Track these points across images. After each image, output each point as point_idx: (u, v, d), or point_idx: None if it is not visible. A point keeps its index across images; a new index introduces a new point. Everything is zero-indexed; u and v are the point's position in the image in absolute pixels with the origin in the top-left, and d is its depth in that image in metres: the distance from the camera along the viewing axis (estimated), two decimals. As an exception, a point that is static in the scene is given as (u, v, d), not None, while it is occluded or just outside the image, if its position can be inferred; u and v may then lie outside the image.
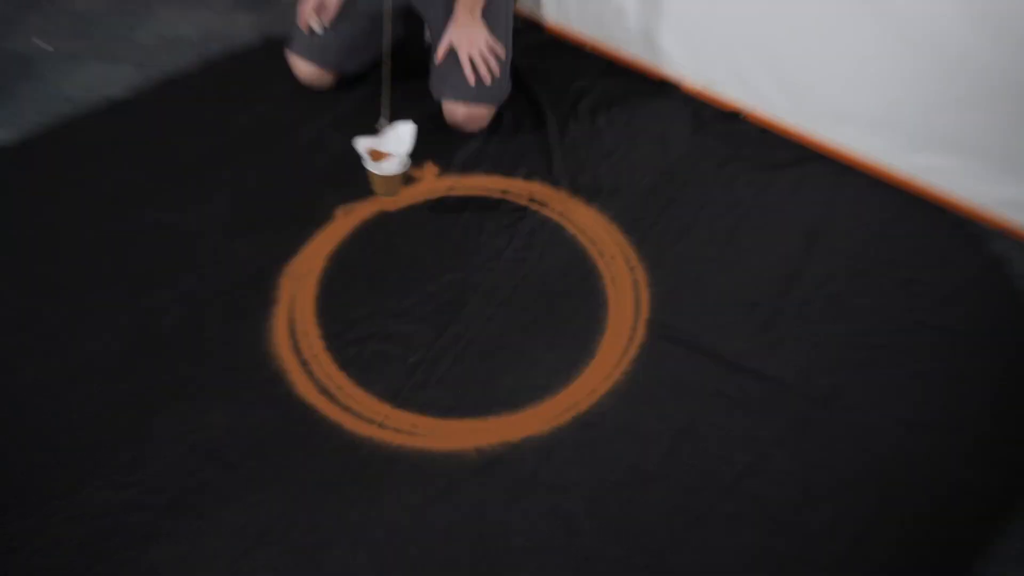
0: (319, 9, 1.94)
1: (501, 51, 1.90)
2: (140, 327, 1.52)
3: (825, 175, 1.92)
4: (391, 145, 1.71)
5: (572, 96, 2.10)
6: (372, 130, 1.75)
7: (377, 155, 1.70)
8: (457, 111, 1.91)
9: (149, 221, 1.71)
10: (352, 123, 1.93)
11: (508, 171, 1.88)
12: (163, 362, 1.47)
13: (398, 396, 1.45)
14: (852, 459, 1.40)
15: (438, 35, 1.95)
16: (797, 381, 1.50)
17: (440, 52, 1.90)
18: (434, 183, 1.84)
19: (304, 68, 2.00)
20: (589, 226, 1.77)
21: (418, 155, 1.79)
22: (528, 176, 1.87)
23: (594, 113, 2.05)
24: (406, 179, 1.78)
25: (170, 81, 2.07)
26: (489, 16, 1.91)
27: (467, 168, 1.88)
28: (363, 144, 1.70)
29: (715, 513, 1.32)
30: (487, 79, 1.88)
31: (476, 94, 1.89)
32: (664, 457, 1.39)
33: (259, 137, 1.93)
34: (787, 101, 2.00)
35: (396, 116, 1.77)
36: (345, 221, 1.74)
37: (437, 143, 1.92)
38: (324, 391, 1.45)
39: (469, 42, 1.86)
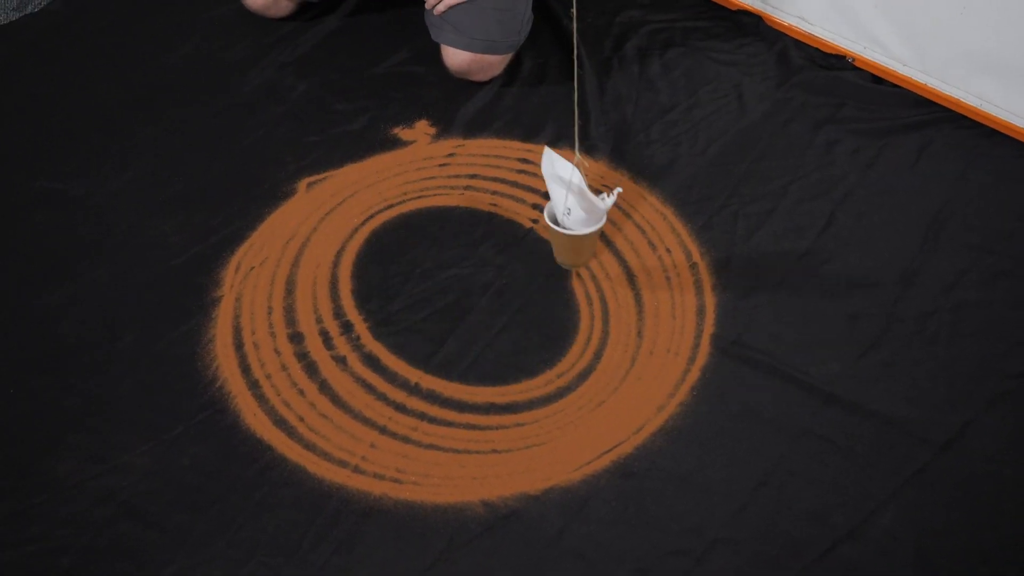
0: None
1: None
2: (31, 334, 1.58)
3: (957, 143, 1.98)
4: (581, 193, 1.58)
5: (617, 31, 2.17)
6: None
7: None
8: (458, 56, 1.96)
9: (42, 192, 1.77)
10: (319, 64, 2.00)
11: (528, 134, 1.95)
12: (62, 381, 1.52)
13: (380, 430, 1.50)
14: (984, 523, 1.45)
15: None
16: (912, 419, 1.56)
17: None
18: (429, 148, 1.90)
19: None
20: (637, 208, 1.83)
21: (409, 109, 1.85)
22: (555, 140, 1.93)
23: (646, 56, 2.12)
24: None
25: (68, 2, 2.12)
26: None
27: (473, 129, 1.94)
28: (560, 196, 1.58)
29: (801, 591, 1.39)
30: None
31: (486, 43, 1.94)
32: (734, 516, 1.44)
33: (191, 81, 1.99)
34: (908, 44, 2.05)
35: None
36: (310, 196, 1.80)
37: (433, 93, 1.99)
38: (281, 423, 1.50)
39: None
